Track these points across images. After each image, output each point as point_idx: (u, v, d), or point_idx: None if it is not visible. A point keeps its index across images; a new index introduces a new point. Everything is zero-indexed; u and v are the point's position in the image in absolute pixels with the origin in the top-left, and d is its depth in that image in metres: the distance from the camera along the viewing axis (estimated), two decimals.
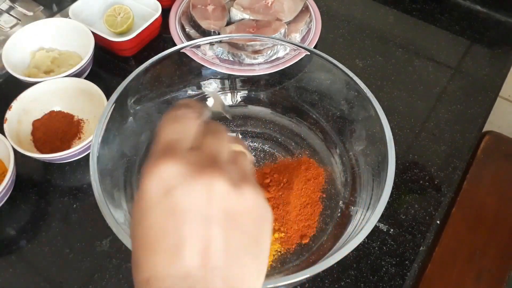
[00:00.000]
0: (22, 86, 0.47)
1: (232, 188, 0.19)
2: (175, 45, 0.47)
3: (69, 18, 0.55)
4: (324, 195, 0.43)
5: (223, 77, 0.50)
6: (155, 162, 0.20)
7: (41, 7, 0.61)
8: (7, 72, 0.55)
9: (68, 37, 0.54)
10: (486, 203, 0.56)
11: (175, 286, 0.18)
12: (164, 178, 0.19)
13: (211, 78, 0.50)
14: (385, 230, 0.44)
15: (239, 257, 0.19)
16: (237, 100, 0.51)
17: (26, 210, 0.44)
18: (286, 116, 0.49)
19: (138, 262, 0.19)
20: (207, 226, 0.19)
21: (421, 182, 0.47)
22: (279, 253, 0.40)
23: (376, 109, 0.37)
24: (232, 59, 0.52)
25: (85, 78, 0.49)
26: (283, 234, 0.41)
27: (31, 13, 0.61)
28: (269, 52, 0.51)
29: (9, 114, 0.45)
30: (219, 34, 0.54)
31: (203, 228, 0.19)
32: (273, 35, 0.52)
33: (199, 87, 0.50)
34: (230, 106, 0.50)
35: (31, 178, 0.46)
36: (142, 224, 0.19)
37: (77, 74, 0.49)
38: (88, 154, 0.35)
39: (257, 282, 0.20)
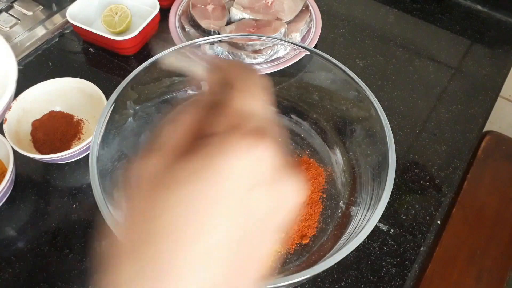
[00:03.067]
0: (21, 86, 0.47)
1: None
2: (175, 45, 0.46)
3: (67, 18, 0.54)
4: (325, 195, 0.43)
5: None
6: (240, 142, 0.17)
7: (41, 7, 0.61)
8: None
9: None
10: (486, 203, 0.56)
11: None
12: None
13: None
14: (385, 230, 0.44)
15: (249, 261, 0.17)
16: None
17: (26, 210, 0.44)
18: (286, 116, 0.49)
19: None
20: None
21: (421, 182, 0.47)
22: (279, 254, 0.40)
23: (377, 109, 0.37)
24: (232, 59, 0.52)
25: (84, 78, 0.48)
26: (283, 234, 0.41)
27: (30, 13, 0.60)
28: (269, 51, 0.51)
29: (8, 114, 0.45)
30: (219, 33, 0.54)
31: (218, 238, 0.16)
32: (273, 35, 0.52)
33: (199, 87, 0.50)
34: None
35: (31, 178, 0.46)
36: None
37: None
38: (88, 155, 0.35)
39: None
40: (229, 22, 0.56)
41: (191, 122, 0.18)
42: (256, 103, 0.19)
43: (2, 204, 0.42)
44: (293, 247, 0.40)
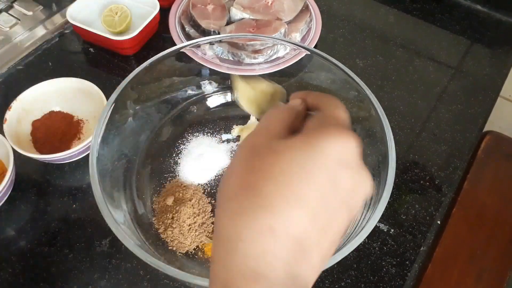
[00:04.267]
0: (21, 86, 0.47)
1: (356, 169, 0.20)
2: (175, 44, 0.46)
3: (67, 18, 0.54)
4: None
5: (223, 77, 0.50)
6: (338, 129, 0.20)
7: (41, 7, 0.61)
8: (7, 72, 0.55)
9: None
10: (486, 203, 0.56)
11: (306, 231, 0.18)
12: (339, 156, 0.20)
13: (211, 78, 0.50)
14: (385, 230, 0.44)
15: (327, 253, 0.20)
16: (237, 100, 0.51)
17: (26, 210, 0.44)
18: None
19: (270, 206, 0.18)
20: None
21: (421, 182, 0.47)
22: None
23: (377, 108, 0.37)
24: (232, 59, 0.52)
25: (84, 78, 0.48)
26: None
27: (30, 13, 0.60)
28: (269, 51, 0.51)
29: (8, 114, 0.45)
30: (219, 33, 0.54)
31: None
32: (273, 35, 0.52)
33: (199, 87, 0.50)
34: (230, 106, 0.50)
35: (31, 178, 0.46)
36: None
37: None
38: (88, 155, 0.35)
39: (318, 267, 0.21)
40: (229, 22, 0.56)
41: (289, 116, 0.23)
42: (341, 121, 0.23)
43: (2, 204, 0.42)
44: None
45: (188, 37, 0.56)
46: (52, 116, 0.48)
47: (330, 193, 0.19)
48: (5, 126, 0.44)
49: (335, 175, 0.19)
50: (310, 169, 0.19)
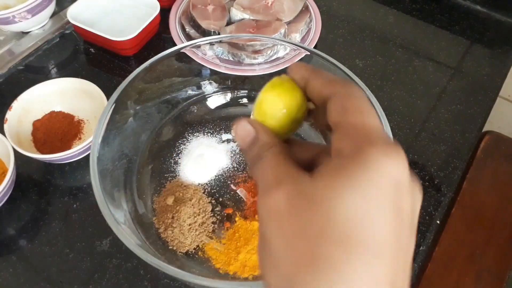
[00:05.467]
0: (22, 86, 0.47)
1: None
2: (175, 45, 0.47)
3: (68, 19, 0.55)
4: None
5: (223, 77, 0.50)
6: (382, 144, 0.16)
7: None
8: (7, 72, 0.55)
9: None
10: (486, 203, 0.56)
11: None
12: (398, 177, 0.16)
13: (211, 78, 0.50)
14: None
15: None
16: (237, 100, 0.51)
17: (26, 210, 0.44)
18: None
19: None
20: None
21: (421, 182, 0.47)
22: None
23: (376, 109, 0.37)
24: (232, 59, 0.52)
25: (84, 78, 0.49)
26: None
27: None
28: (269, 52, 0.51)
29: (9, 114, 0.45)
30: (219, 34, 0.54)
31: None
32: (273, 35, 0.52)
33: (199, 87, 0.50)
34: (230, 106, 0.50)
35: (31, 178, 0.46)
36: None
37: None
38: (89, 155, 0.35)
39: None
40: (229, 23, 0.56)
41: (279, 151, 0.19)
42: (373, 117, 0.18)
43: (3, 204, 0.43)
44: None
45: (188, 37, 0.56)
46: (52, 116, 0.48)
47: (399, 224, 0.16)
48: (5, 126, 0.44)
49: (396, 203, 0.16)
50: (369, 209, 0.15)
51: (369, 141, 0.16)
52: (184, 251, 0.39)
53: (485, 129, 0.58)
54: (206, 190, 0.43)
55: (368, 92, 0.38)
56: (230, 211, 0.42)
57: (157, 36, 0.58)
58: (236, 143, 0.47)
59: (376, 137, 0.17)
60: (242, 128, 0.20)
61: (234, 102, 0.50)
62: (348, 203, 0.15)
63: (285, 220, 0.16)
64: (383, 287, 0.15)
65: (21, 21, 0.55)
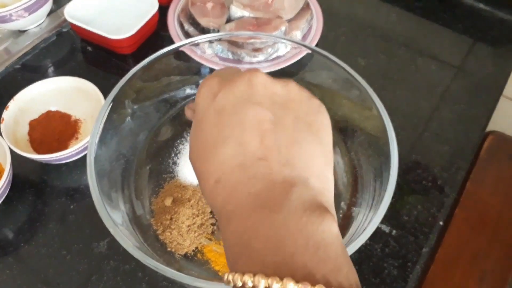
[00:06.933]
0: (19, 85, 0.47)
1: (272, 80, 0.21)
2: (173, 43, 0.46)
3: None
4: None
5: None
6: (203, 81, 0.22)
7: None
8: (4, 71, 0.54)
9: None
10: (489, 204, 0.56)
11: (245, 175, 0.18)
12: (210, 88, 0.21)
13: None
14: (387, 231, 0.43)
15: (299, 139, 0.19)
16: None
17: (23, 211, 0.43)
18: None
19: (203, 170, 0.20)
20: (258, 112, 0.19)
21: (424, 182, 0.47)
22: None
23: (379, 108, 0.37)
24: (231, 58, 0.51)
25: (82, 77, 0.48)
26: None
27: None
28: (269, 50, 0.51)
29: (5, 114, 0.44)
30: (218, 31, 0.53)
31: (254, 115, 0.19)
32: (274, 33, 0.52)
33: (198, 86, 0.49)
34: None
35: (28, 178, 0.45)
36: (199, 132, 0.21)
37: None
38: (86, 155, 0.35)
39: (326, 168, 0.20)
40: (228, 20, 0.55)
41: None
42: None
43: None
44: None
45: (187, 35, 0.55)
46: (49, 116, 0.47)
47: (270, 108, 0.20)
48: (2, 126, 0.43)
49: (244, 95, 0.20)
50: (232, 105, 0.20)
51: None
52: (183, 253, 0.39)
53: (488, 129, 0.57)
54: None
55: (371, 91, 0.38)
56: None
57: (155, 34, 0.58)
58: None
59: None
60: (187, 111, 0.27)
61: None
62: (193, 130, 0.22)
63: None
64: (232, 162, 0.19)
65: (18, 20, 0.54)
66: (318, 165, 0.19)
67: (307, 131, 0.20)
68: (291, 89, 0.21)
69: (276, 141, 0.19)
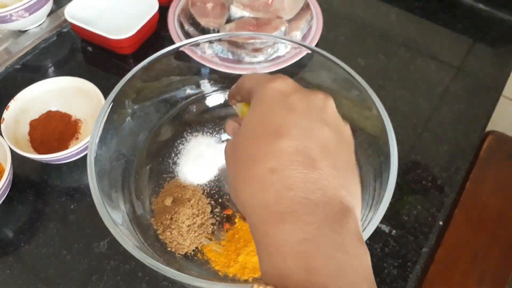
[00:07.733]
0: (19, 86, 0.47)
1: (336, 113, 0.23)
2: (173, 43, 0.46)
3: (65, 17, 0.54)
4: None
5: (222, 76, 0.50)
6: (271, 79, 0.24)
7: None
8: (4, 71, 0.54)
9: None
10: (489, 204, 0.56)
11: (304, 176, 0.19)
12: (279, 87, 0.23)
13: (210, 77, 0.50)
14: (387, 231, 0.43)
15: (352, 168, 0.22)
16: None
17: (23, 210, 0.43)
18: None
19: (256, 153, 0.20)
20: (326, 132, 0.21)
21: (423, 182, 0.47)
22: None
23: (379, 108, 0.37)
24: (231, 58, 0.51)
25: (82, 77, 0.48)
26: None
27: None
28: (269, 50, 0.51)
29: (6, 114, 0.44)
30: (218, 32, 0.53)
31: (321, 131, 0.21)
32: (274, 33, 0.52)
33: (198, 86, 0.49)
34: (229, 105, 0.50)
35: (28, 178, 0.46)
36: (264, 113, 0.22)
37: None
38: (86, 155, 0.35)
39: (359, 203, 0.21)
40: (228, 20, 0.55)
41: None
42: None
43: (0, 205, 0.42)
44: None
45: (187, 35, 0.55)
46: (50, 116, 0.47)
47: (293, 114, 0.22)
48: (2, 126, 0.43)
49: (286, 102, 0.22)
50: (266, 110, 0.23)
51: (256, 85, 0.25)
52: (183, 253, 0.39)
53: (488, 129, 0.57)
54: (205, 191, 0.43)
55: (371, 91, 0.38)
56: (230, 212, 0.41)
57: (155, 34, 0.58)
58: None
59: (259, 80, 0.25)
60: (230, 124, 0.28)
61: None
62: (253, 114, 0.23)
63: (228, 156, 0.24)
64: (293, 157, 0.20)
65: (18, 20, 0.54)
66: (359, 196, 0.21)
67: (349, 164, 0.22)
68: (348, 129, 0.24)
69: (336, 162, 0.20)
